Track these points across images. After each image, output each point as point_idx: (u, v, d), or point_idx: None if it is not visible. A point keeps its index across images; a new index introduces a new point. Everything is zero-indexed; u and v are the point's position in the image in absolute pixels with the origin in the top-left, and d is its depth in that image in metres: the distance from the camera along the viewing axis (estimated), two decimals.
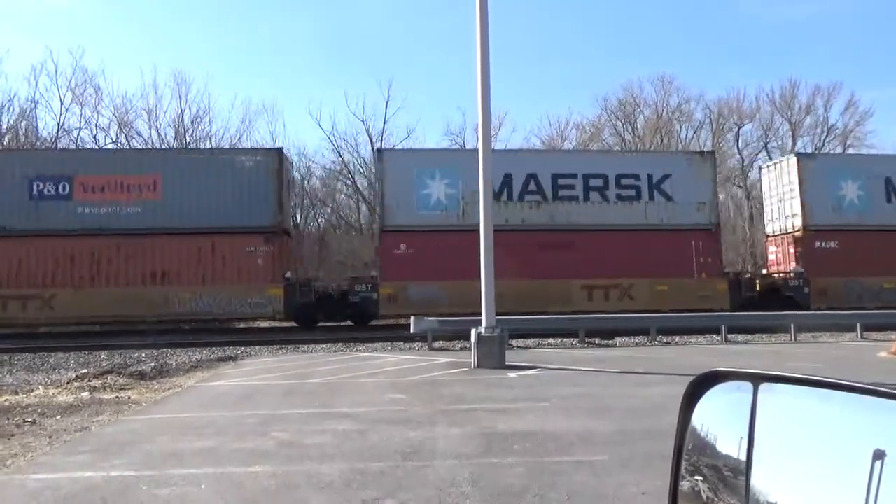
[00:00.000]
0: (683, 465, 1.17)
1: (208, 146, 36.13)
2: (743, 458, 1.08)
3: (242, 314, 20.67)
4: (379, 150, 23.65)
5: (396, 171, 21.09)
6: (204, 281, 20.05)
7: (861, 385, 0.99)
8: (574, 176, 21.54)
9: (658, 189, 21.65)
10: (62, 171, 20.16)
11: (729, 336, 17.02)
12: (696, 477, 1.15)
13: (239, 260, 20.16)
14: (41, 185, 19.88)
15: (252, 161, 20.86)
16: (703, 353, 14.17)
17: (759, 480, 1.05)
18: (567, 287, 20.71)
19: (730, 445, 1.11)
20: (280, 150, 22.16)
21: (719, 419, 1.17)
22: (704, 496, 1.13)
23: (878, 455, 0.90)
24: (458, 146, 38.89)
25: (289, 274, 20.72)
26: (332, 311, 20.98)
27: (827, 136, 43.35)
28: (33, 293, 19.54)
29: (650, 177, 21.65)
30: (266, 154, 21.61)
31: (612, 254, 20.59)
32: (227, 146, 36.51)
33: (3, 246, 19.50)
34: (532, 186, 21.38)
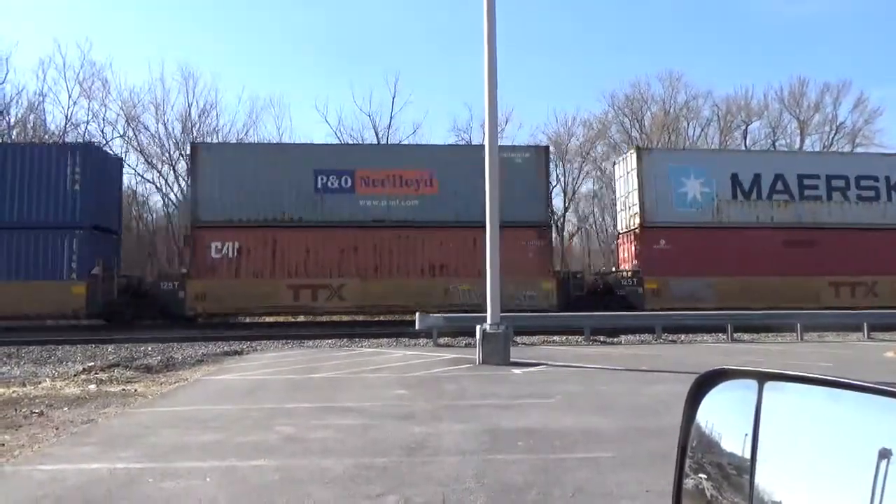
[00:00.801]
0: (687, 462, 1.17)
1: (215, 140, 36.25)
2: (747, 456, 1.07)
3: (518, 306, 20.66)
4: (637, 149, 24.09)
5: (655, 170, 21.94)
6: (480, 273, 20.50)
7: (867, 384, 0.99)
8: (817, 177, 22.52)
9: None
10: (344, 165, 21.21)
11: (735, 335, 16.97)
12: (701, 475, 1.15)
13: (512, 253, 20.75)
14: (325, 179, 20.87)
15: (521, 158, 21.63)
16: (708, 352, 14.13)
17: (764, 479, 1.04)
18: (814, 284, 21.44)
19: (734, 443, 1.11)
20: (546, 148, 23.52)
21: (724, 417, 1.16)
22: (708, 494, 1.12)
23: (884, 454, 0.90)
24: (464, 142, 38.86)
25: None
26: None
27: (835, 134, 43.10)
28: (324, 283, 20.50)
29: (888, 178, 22.68)
30: (535, 151, 22.52)
31: (855, 252, 21.57)
32: (233, 141, 36.65)
33: (295, 236, 20.45)
34: (779, 186, 22.31)
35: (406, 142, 38.90)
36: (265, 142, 36.45)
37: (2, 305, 18.94)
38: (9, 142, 30.88)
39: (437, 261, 20.75)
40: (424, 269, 20.75)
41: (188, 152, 23.01)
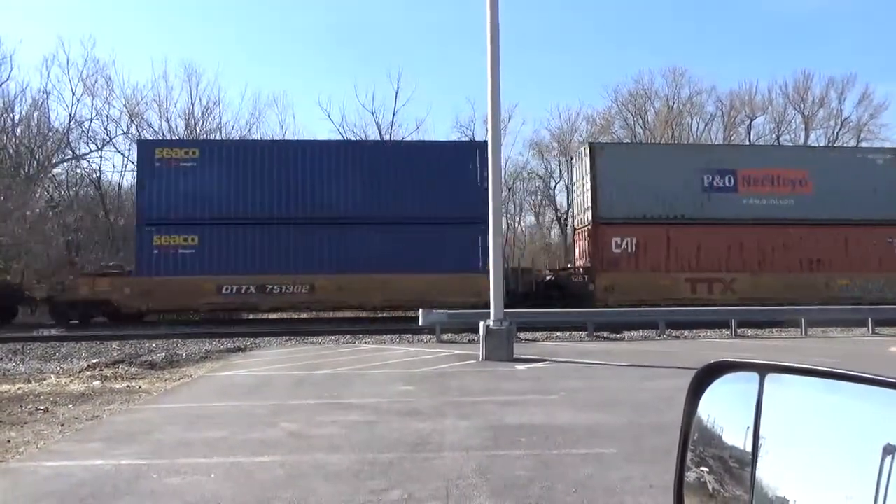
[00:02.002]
0: (689, 456, 1.17)
1: (219, 137, 36.26)
2: (749, 449, 1.07)
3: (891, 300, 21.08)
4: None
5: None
6: (857, 268, 21.82)
7: (871, 376, 0.98)
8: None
9: None
10: (727, 165, 22.07)
11: (738, 331, 16.94)
12: (702, 468, 1.15)
13: (878, 249, 21.90)
14: (710, 178, 21.78)
15: (882, 159, 22.65)
16: (711, 348, 14.12)
17: (765, 472, 1.04)
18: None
19: (736, 436, 1.11)
20: None
21: (725, 410, 1.16)
22: (710, 487, 1.13)
23: (890, 450, 0.89)
24: (467, 138, 38.79)
25: None
26: None
27: (840, 129, 42.87)
28: (717, 276, 21.46)
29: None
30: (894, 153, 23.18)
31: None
32: (236, 138, 36.65)
33: (686, 232, 21.40)
34: None
35: (409, 138, 38.84)
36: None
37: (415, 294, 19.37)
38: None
39: (815, 256, 21.80)
40: (804, 263, 21.80)
41: (585, 151, 23.17)
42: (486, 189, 19.83)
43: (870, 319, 17.16)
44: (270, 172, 20.25)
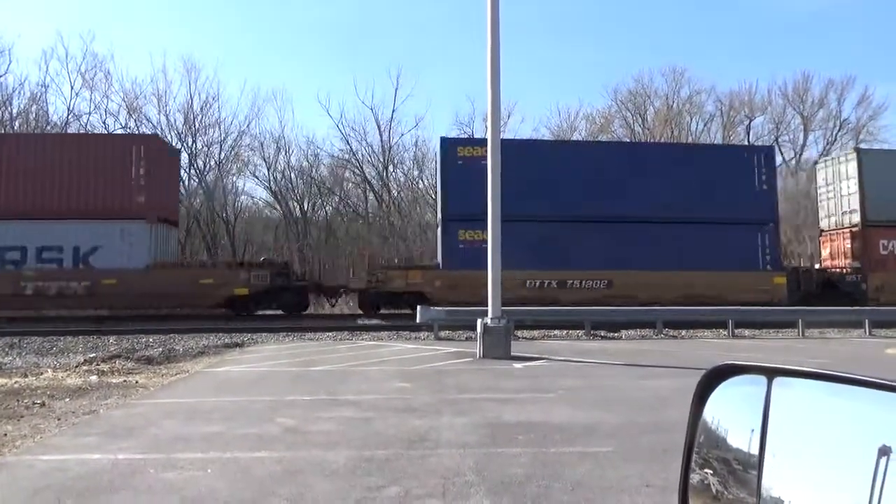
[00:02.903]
0: (694, 458, 1.16)
1: (216, 133, 36.18)
2: (754, 452, 1.07)
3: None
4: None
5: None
6: None
7: (877, 380, 0.98)
8: None
9: None
10: None
11: (736, 331, 16.97)
12: (707, 470, 1.14)
13: None
14: None
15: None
16: (709, 347, 14.13)
17: (771, 475, 1.04)
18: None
19: (742, 439, 1.10)
20: None
21: (732, 413, 1.16)
22: (714, 490, 1.12)
23: (884, 451, 0.89)
24: (466, 135, 38.76)
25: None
26: None
27: (839, 130, 42.93)
28: None
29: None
30: None
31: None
32: (235, 133, 36.59)
33: None
34: None
35: (408, 135, 38.84)
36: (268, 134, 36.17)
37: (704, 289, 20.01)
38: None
39: None
40: None
41: (850, 157, 23.84)
42: (766, 191, 21.45)
43: (867, 321, 17.19)
44: (573, 172, 21.04)
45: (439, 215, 22.54)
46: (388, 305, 21.37)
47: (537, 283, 20.59)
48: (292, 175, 38.38)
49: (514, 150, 21.18)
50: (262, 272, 20.86)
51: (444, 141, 22.94)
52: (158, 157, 21.21)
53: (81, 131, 33.38)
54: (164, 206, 21.37)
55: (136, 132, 33.94)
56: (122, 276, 19.29)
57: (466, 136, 37.68)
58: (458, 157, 21.30)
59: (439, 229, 22.29)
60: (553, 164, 21.22)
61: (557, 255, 20.36)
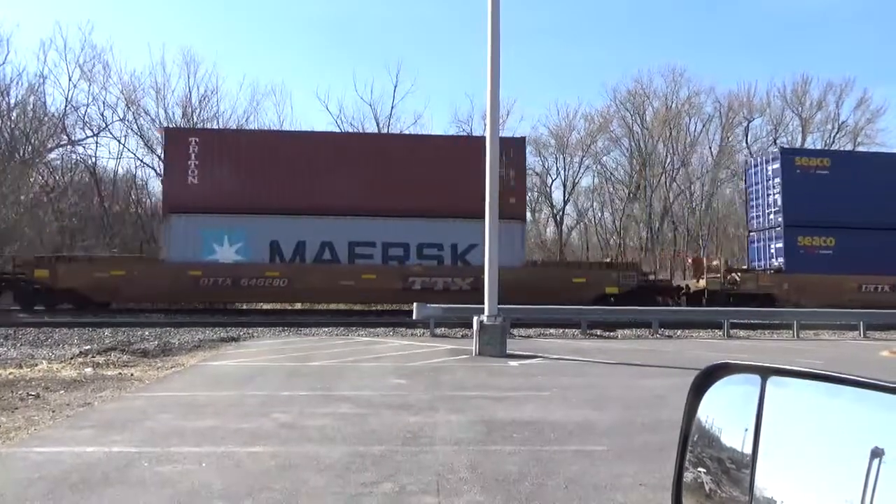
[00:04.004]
0: (688, 456, 1.17)
1: (216, 127, 36.05)
2: (748, 451, 1.07)
3: None
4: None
5: None
6: None
7: (870, 380, 0.98)
8: None
9: None
10: None
11: (731, 332, 17.01)
12: (700, 469, 1.15)
13: None
14: None
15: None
16: (703, 348, 14.17)
17: (764, 474, 1.04)
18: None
19: (735, 438, 1.11)
20: None
21: (726, 411, 1.16)
22: (707, 488, 1.13)
23: (877, 453, 0.90)
24: (465, 133, 38.74)
25: None
26: None
27: (838, 132, 42.99)
28: None
29: None
30: None
31: None
32: (234, 127, 36.47)
33: None
34: None
35: (407, 132, 38.79)
36: (263, 129, 36.18)
37: None
38: None
39: None
40: None
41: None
42: None
43: (862, 323, 17.24)
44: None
45: (763, 222, 23.86)
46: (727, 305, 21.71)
47: (873, 288, 22.02)
48: None
49: (842, 161, 23.65)
50: (630, 273, 21.92)
51: (783, 151, 24.36)
52: (520, 158, 22.39)
53: (79, 123, 33.19)
54: (524, 206, 23.07)
55: (135, 125, 33.73)
56: (502, 272, 19.82)
57: (465, 133, 37.62)
58: (796, 166, 22.48)
59: (760, 234, 23.96)
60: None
61: (892, 261, 21.58)
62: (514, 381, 9.28)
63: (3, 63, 34.09)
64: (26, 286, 19.80)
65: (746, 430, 1.08)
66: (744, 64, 64.44)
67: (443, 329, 16.37)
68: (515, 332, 15.60)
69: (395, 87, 41.85)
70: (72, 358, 11.24)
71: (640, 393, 8.27)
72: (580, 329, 16.76)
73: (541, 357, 11.86)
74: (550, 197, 42.74)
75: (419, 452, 5.29)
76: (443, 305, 16.38)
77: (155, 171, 35.98)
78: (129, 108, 36.06)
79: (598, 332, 17.02)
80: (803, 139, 42.49)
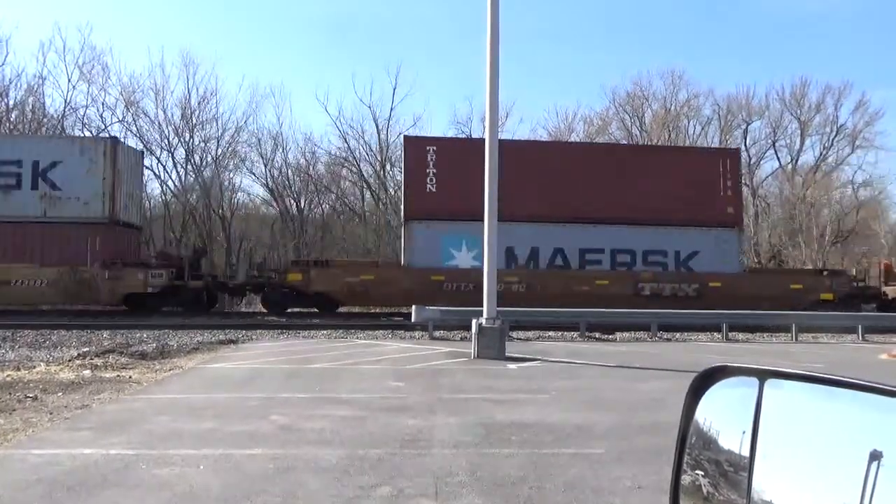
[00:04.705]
0: (685, 458, 1.17)
1: (214, 129, 36.08)
2: (745, 453, 1.07)
3: None
4: None
5: None
6: None
7: (867, 383, 0.99)
8: None
9: None
10: None
11: (730, 334, 17.01)
12: (698, 471, 1.15)
13: None
14: None
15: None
16: (703, 351, 14.17)
17: (761, 477, 1.04)
18: None
19: (733, 441, 1.11)
20: None
21: (724, 414, 1.16)
22: (705, 491, 1.13)
23: (875, 456, 0.90)
24: (465, 135, 38.76)
25: None
26: None
27: (836, 135, 43.04)
28: None
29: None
30: None
31: None
32: (233, 129, 36.49)
33: None
34: None
35: (407, 134, 38.78)
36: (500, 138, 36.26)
37: None
38: None
39: None
40: None
41: None
42: None
43: (860, 326, 17.25)
44: None
45: None
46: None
47: None
48: (289, 172, 38.30)
49: None
50: (843, 279, 22.13)
51: None
52: (736, 169, 22.73)
53: (78, 124, 33.23)
54: (740, 215, 23.30)
55: (134, 126, 33.74)
56: (725, 279, 20.91)
57: (465, 135, 37.72)
58: None
59: None
60: None
61: None
62: (512, 383, 9.27)
63: (3, 64, 34.10)
64: (277, 290, 20.43)
65: (744, 432, 1.08)
66: (742, 66, 64.61)
67: (441, 332, 16.35)
68: (514, 334, 15.59)
69: (395, 88, 41.84)
70: (70, 360, 11.22)
71: (638, 396, 8.27)
72: (579, 332, 16.75)
73: (539, 360, 11.85)
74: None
75: (417, 455, 5.29)
76: (441, 308, 16.37)
77: (153, 172, 35.98)
78: (128, 109, 36.05)
79: (597, 334, 17.02)
80: (802, 142, 42.59)
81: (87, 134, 33.86)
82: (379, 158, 38.45)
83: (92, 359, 11.31)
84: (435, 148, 21.61)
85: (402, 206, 22.18)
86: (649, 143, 39.88)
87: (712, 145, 40.29)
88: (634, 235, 21.15)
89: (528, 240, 20.89)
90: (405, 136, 25.70)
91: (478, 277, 19.87)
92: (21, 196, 19.82)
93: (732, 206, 21.74)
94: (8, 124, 33.02)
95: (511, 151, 22.74)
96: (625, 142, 40.38)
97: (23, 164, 19.94)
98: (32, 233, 19.45)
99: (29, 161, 19.96)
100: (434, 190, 20.82)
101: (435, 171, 20.93)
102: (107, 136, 24.66)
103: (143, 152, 28.12)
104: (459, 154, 21.38)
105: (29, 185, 19.90)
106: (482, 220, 19.96)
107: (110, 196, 20.15)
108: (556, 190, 20.66)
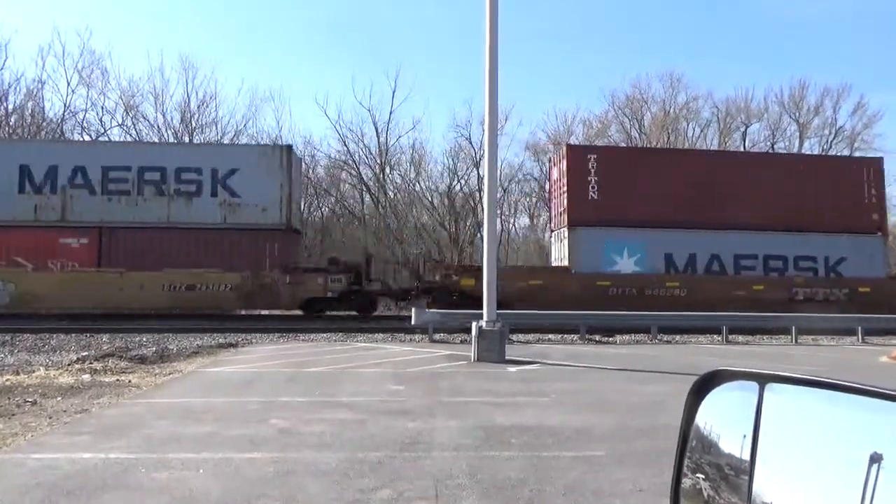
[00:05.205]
0: (686, 462, 1.17)
1: (213, 132, 36.12)
2: (746, 457, 1.07)
3: None
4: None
5: None
6: None
7: (867, 387, 0.99)
8: None
9: None
10: None
11: (730, 337, 17.00)
12: (698, 475, 1.14)
13: None
14: None
15: None
16: (702, 353, 14.17)
17: (762, 481, 1.04)
18: None
19: (733, 444, 1.11)
20: None
21: (724, 418, 1.16)
22: (706, 494, 1.12)
23: (875, 458, 0.90)
24: (465, 139, 38.81)
25: None
26: None
27: (835, 138, 43.11)
28: None
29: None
30: None
31: None
32: (232, 133, 36.53)
33: None
34: None
35: (405, 137, 38.88)
36: (656, 147, 36.35)
37: None
38: None
39: None
40: None
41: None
42: None
43: (860, 328, 17.24)
44: None
45: None
46: None
47: None
48: None
49: None
50: None
51: None
52: (880, 177, 23.01)
53: (77, 128, 33.21)
54: (885, 221, 23.64)
55: (134, 130, 33.70)
56: (873, 284, 21.39)
57: (465, 139, 37.79)
58: None
59: None
60: None
61: None
62: (512, 386, 9.26)
63: (2, 68, 34.18)
64: (446, 294, 20.72)
65: (745, 436, 1.08)
66: (741, 69, 64.58)
67: (441, 335, 16.35)
68: (514, 337, 15.58)
69: (394, 92, 41.95)
70: (69, 364, 11.21)
71: (638, 398, 8.26)
72: (579, 334, 16.74)
73: (539, 362, 11.84)
74: (549, 202, 42.76)
75: (417, 458, 5.28)
76: (440, 311, 16.37)
77: None
78: (127, 113, 36.14)
79: (597, 337, 17.01)
80: (801, 144, 42.65)
81: (87, 138, 33.94)
82: (378, 161, 38.47)
83: (91, 363, 11.30)
84: (595, 156, 22.44)
85: (567, 213, 22.56)
86: (648, 145, 39.94)
87: (711, 148, 40.40)
88: (786, 242, 21.82)
89: (685, 246, 21.59)
90: (568, 145, 26.54)
91: (641, 282, 21.20)
92: (201, 203, 20.36)
93: (877, 212, 22.42)
94: (7, 128, 33.03)
95: (665, 161, 23.97)
96: (624, 144, 40.45)
97: (202, 171, 20.47)
98: (214, 239, 19.86)
99: (208, 169, 20.50)
100: (596, 197, 21.60)
101: (596, 178, 21.71)
102: (281, 143, 25.27)
103: (301, 158, 28.60)
104: (619, 163, 22.57)
105: (209, 193, 20.43)
106: (642, 226, 20.54)
107: (287, 203, 20.76)
108: (711, 197, 21.24)
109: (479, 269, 22.01)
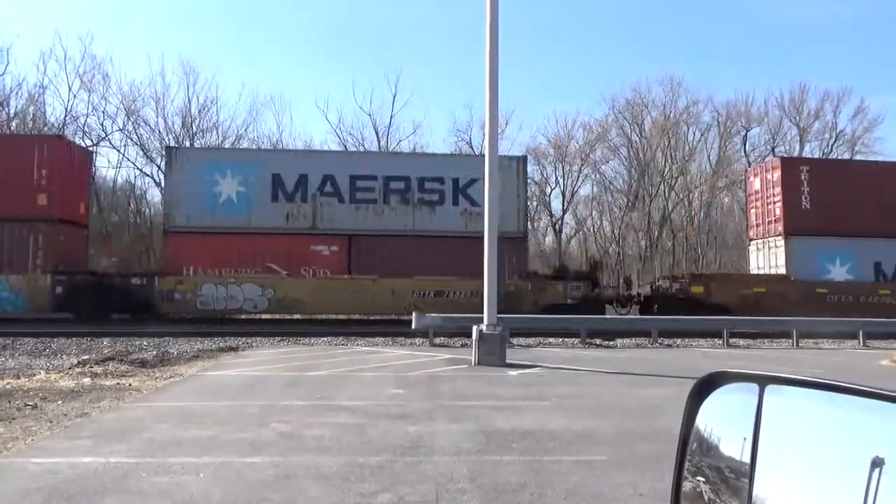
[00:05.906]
0: (686, 465, 1.17)
1: (214, 137, 36.19)
2: (746, 460, 1.07)
3: None
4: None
5: None
6: None
7: (867, 388, 0.98)
8: None
9: None
10: None
11: (731, 340, 16.98)
12: (699, 478, 1.14)
13: None
14: None
15: None
16: (703, 357, 14.15)
17: (763, 483, 1.04)
18: None
19: (734, 447, 1.10)
20: None
21: (724, 420, 1.16)
22: (706, 497, 1.12)
23: (877, 462, 0.89)
24: (465, 143, 38.88)
25: None
26: None
27: (835, 141, 43.15)
28: None
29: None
30: None
31: None
32: (233, 137, 36.60)
33: None
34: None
35: (405, 142, 38.92)
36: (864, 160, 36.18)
37: None
38: None
39: None
40: None
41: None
42: None
43: (861, 332, 17.21)
44: None
45: None
46: None
47: None
48: None
49: None
50: None
51: None
52: None
53: (79, 133, 33.33)
54: None
55: (135, 135, 33.81)
56: None
57: (465, 143, 37.81)
58: None
59: None
60: None
61: None
62: (513, 390, 9.25)
63: (3, 73, 34.24)
64: (670, 300, 21.23)
65: (745, 438, 1.08)
66: (741, 73, 64.86)
67: (441, 339, 16.33)
68: (515, 341, 15.57)
69: (395, 96, 42.02)
70: (70, 368, 11.20)
71: (638, 402, 8.25)
72: (580, 338, 16.73)
73: (540, 366, 11.83)
74: (549, 206, 42.87)
75: (418, 462, 5.27)
76: (441, 315, 16.35)
77: (154, 179, 36.03)
78: (128, 117, 36.20)
79: (598, 341, 16.99)
80: (801, 148, 42.67)
81: (89, 142, 34.00)
82: None
83: (92, 367, 11.29)
84: (808, 168, 23.32)
85: (783, 222, 23.01)
86: (649, 149, 40.02)
87: (711, 152, 40.47)
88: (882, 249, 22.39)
89: (894, 255, 22.27)
90: (781, 158, 27.15)
91: (855, 290, 21.88)
92: (444, 212, 20.96)
93: None
94: (9, 133, 33.05)
95: (877, 172, 24.77)
96: (624, 148, 40.51)
97: (444, 181, 21.08)
98: (457, 246, 20.02)
99: (449, 178, 21.10)
100: (808, 207, 22.40)
101: (808, 189, 22.42)
102: (517, 153, 26.68)
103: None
104: (831, 175, 23.33)
105: (450, 202, 21.06)
106: (852, 236, 21.44)
107: (524, 211, 21.72)
108: None
109: (710, 276, 23.46)
